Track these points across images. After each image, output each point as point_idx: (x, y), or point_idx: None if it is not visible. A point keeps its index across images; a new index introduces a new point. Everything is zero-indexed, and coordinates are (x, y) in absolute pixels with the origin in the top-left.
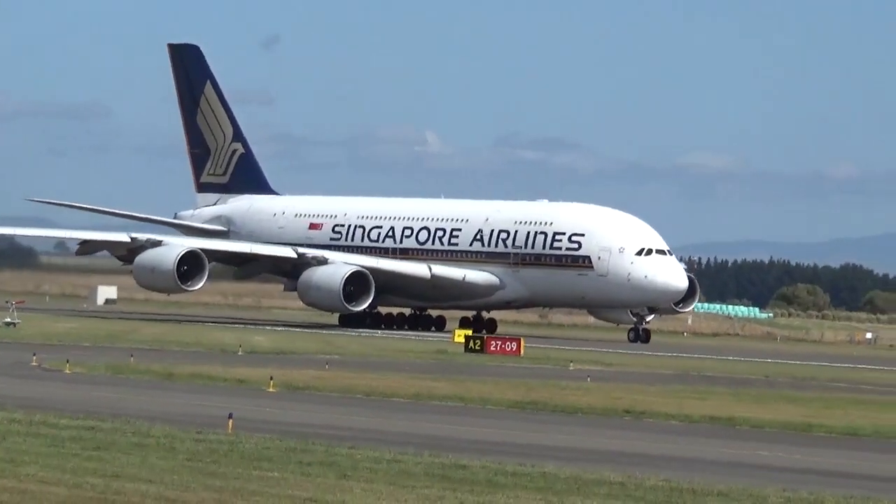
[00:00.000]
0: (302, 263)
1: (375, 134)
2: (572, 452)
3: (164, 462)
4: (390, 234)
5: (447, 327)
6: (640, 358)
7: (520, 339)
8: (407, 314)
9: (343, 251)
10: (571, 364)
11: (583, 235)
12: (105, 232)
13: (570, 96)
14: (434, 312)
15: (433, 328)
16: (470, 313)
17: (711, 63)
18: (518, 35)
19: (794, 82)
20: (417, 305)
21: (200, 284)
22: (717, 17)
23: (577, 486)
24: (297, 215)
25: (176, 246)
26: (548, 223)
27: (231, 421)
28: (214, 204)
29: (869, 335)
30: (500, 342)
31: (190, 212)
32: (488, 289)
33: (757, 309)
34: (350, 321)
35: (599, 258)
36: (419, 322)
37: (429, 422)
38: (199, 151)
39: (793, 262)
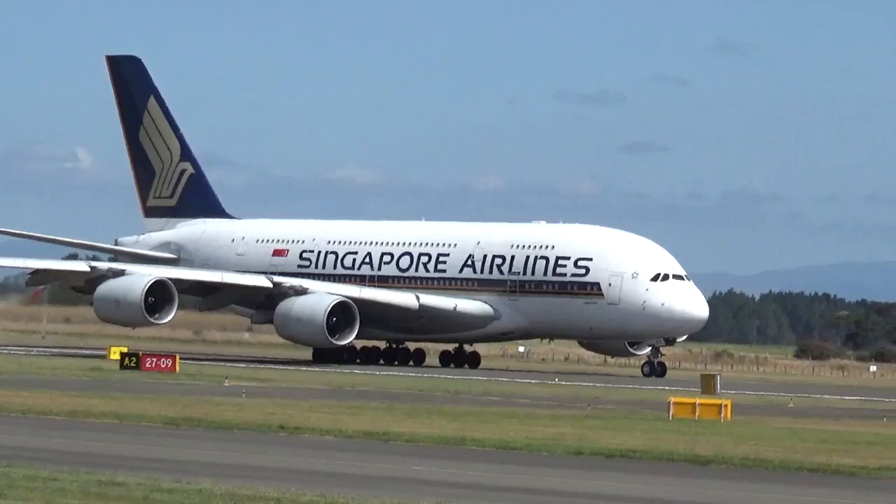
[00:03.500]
0: (278, 293)
1: (24, 152)
2: (227, 468)
3: None
4: (367, 260)
5: (426, 361)
6: (296, 374)
7: (175, 356)
8: (382, 347)
9: (313, 280)
10: (227, 380)
11: (590, 260)
12: (61, 261)
13: (220, 111)
14: (412, 345)
15: (411, 362)
16: (451, 346)
17: (357, 77)
18: (166, 50)
19: (440, 95)
20: (402, 338)
21: (170, 317)
22: (360, 29)
23: (233, 502)
24: (258, 241)
25: (142, 275)
26: (549, 247)
27: None
28: (161, 229)
29: (521, 348)
30: (155, 359)
31: (133, 237)
32: (482, 319)
33: None
34: (325, 356)
35: (610, 285)
36: (397, 355)
37: (85, 439)
38: (144, 172)
39: None
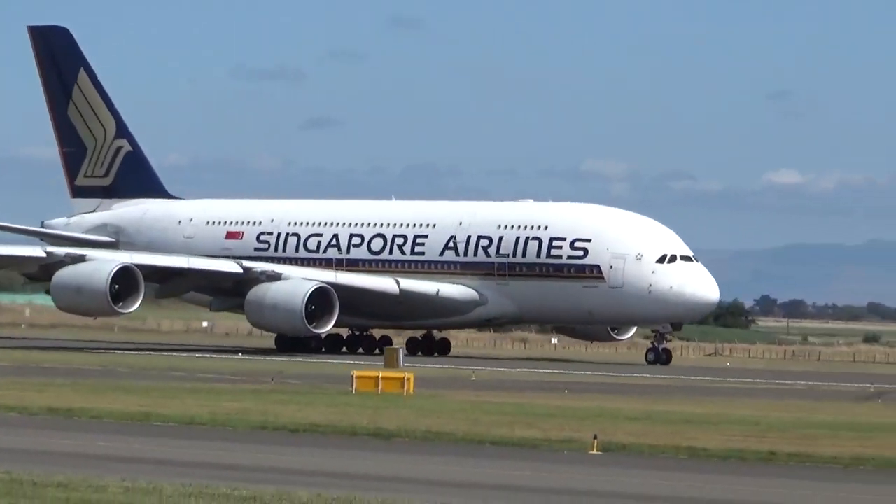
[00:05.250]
0: (249, 279)
1: None
2: None
3: None
4: (333, 242)
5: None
6: None
7: None
8: (345, 335)
9: (276, 264)
10: None
11: (589, 241)
12: (12, 245)
13: None
14: (377, 332)
15: (377, 350)
16: (419, 333)
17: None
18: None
19: (119, 73)
20: (377, 325)
21: (136, 306)
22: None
23: None
24: (209, 222)
25: (106, 261)
26: (541, 226)
27: None
28: (93, 210)
29: (205, 323)
30: None
31: (63, 219)
32: (466, 305)
33: None
34: (289, 345)
35: (612, 267)
36: (361, 343)
37: None
38: (73, 150)
39: None
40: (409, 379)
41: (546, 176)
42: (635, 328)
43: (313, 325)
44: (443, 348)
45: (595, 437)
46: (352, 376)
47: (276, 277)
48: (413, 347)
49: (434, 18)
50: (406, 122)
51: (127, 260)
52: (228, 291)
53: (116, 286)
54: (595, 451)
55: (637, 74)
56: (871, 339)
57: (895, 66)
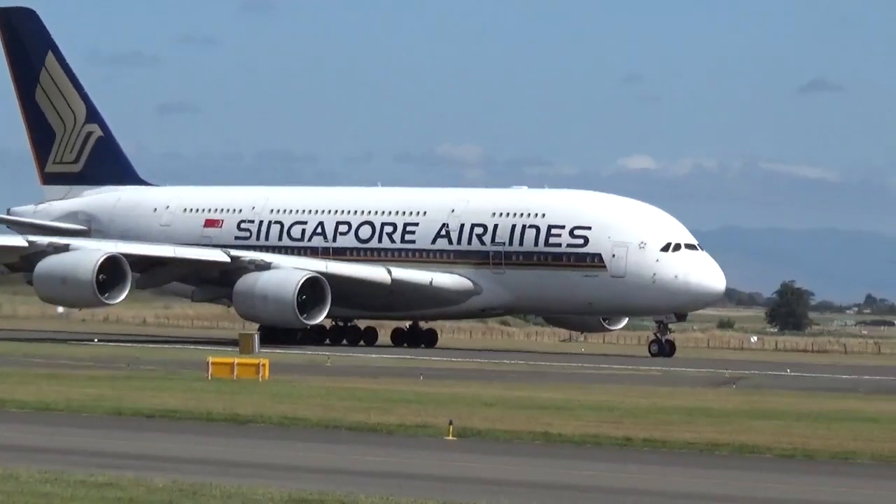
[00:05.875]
0: (236, 269)
1: None
2: None
3: None
4: (319, 230)
5: (378, 340)
6: None
7: None
8: (328, 326)
9: (265, 252)
10: None
11: (589, 229)
12: None
13: None
14: (362, 323)
15: (362, 342)
16: (405, 323)
17: None
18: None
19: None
20: (369, 316)
21: (122, 296)
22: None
23: None
24: (186, 210)
25: (92, 251)
26: (538, 214)
27: None
28: (63, 197)
29: (60, 310)
30: None
31: (31, 207)
32: (460, 294)
33: None
34: (274, 336)
35: (614, 256)
36: (345, 334)
37: None
38: (42, 136)
39: None
40: (264, 365)
41: (401, 161)
42: (626, 319)
43: (304, 315)
44: (429, 340)
45: (451, 423)
46: (207, 362)
47: (266, 267)
48: (398, 338)
49: (286, 3)
50: (261, 108)
51: (112, 249)
52: (213, 281)
53: (102, 276)
54: (450, 437)
55: (491, 59)
56: (725, 324)
57: (749, 51)
